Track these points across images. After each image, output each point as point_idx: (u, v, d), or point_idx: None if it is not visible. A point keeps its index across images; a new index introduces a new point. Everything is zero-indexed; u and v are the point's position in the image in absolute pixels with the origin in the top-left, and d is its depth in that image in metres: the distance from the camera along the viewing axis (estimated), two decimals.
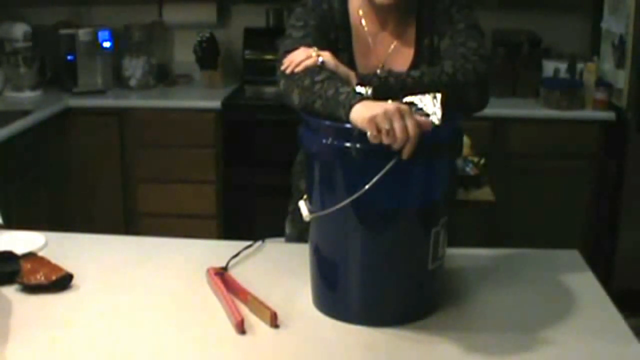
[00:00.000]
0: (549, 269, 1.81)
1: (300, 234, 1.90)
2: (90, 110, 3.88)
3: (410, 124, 1.38)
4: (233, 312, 1.52)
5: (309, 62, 1.62)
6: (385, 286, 1.54)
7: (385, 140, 1.38)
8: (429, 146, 1.46)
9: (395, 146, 1.38)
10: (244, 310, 1.57)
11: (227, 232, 3.88)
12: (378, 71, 1.68)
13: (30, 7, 4.26)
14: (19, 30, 3.89)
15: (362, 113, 1.42)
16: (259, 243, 1.93)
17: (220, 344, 1.47)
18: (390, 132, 1.37)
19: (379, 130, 1.38)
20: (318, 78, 1.57)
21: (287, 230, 2.07)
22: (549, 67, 3.87)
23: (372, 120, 1.39)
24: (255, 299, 1.58)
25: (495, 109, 3.45)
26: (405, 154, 1.39)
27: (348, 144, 1.45)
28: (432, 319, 1.56)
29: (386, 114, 1.38)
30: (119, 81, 4.14)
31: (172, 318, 1.58)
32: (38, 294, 1.65)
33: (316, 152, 1.54)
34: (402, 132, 1.37)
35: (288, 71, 1.65)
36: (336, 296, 1.58)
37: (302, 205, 1.59)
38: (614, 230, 3.66)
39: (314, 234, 1.61)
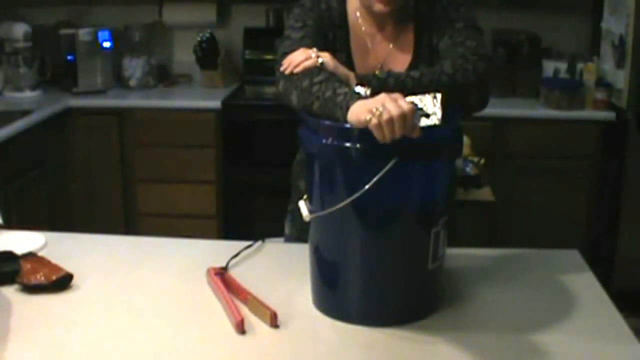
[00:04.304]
0: (549, 269, 1.81)
1: (300, 234, 1.90)
2: (90, 110, 3.88)
3: (402, 102, 1.40)
4: (233, 312, 1.52)
5: (308, 63, 1.62)
6: (385, 286, 1.54)
7: (385, 126, 1.38)
8: (429, 146, 1.46)
9: (396, 127, 1.38)
10: (244, 310, 1.57)
11: (227, 232, 3.88)
12: (377, 72, 1.68)
13: (30, 7, 4.26)
14: (19, 30, 3.89)
15: (358, 110, 1.42)
16: (259, 243, 1.93)
17: (220, 344, 1.47)
18: (385, 112, 1.37)
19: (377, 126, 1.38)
20: (316, 79, 1.57)
21: (287, 230, 2.07)
22: (549, 67, 3.87)
23: (368, 109, 1.40)
24: (255, 299, 1.58)
25: (495, 109, 3.45)
26: (400, 130, 1.39)
27: (348, 144, 1.45)
28: (432, 319, 1.56)
29: (378, 100, 1.41)
30: (119, 81, 4.14)
31: (172, 318, 1.58)
32: (38, 294, 1.65)
33: (316, 152, 1.54)
34: (395, 108, 1.38)
35: (287, 72, 1.65)
36: (336, 296, 1.58)
37: (302, 205, 1.59)
38: (614, 230, 3.66)
39: (314, 234, 1.61)
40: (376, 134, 1.39)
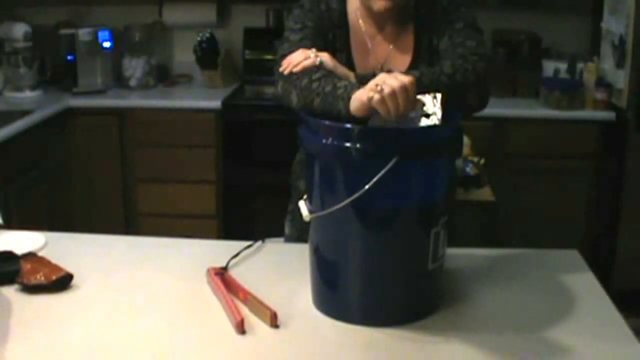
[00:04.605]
0: (549, 269, 1.81)
1: (300, 234, 1.90)
2: (90, 110, 3.88)
3: (402, 76, 1.42)
4: (233, 312, 1.52)
5: (307, 63, 1.63)
6: (385, 286, 1.54)
7: (388, 99, 1.39)
8: (429, 146, 1.46)
9: (400, 99, 1.40)
10: (244, 310, 1.57)
11: (227, 232, 3.88)
12: (377, 72, 1.69)
13: (30, 7, 4.26)
14: (19, 30, 3.89)
15: (360, 94, 1.44)
16: (259, 243, 1.93)
17: (220, 344, 1.47)
18: (386, 87, 1.39)
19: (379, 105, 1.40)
20: (315, 76, 1.58)
21: (287, 230, 2.07)
22: (549, 67, 3.87)
23: (369, 89, 1.42)
24: (255, 299, 1.58)
25: (495, 109, 3.45)
26: (403, 102, 1.41)
27: (348, 144, 1.45)
28: (432, 319, 1.56)
29: (378, 78, 1.44)
30: (119, 81, 4.14)
31: (172, 318, 1.58)
32: (38, 294, 1.65)
33: (316, 152, 1.54)
34: (396, 81, 1.40)
35: (286, 72, 1.65)
36: (336, 296, 1.58)
37: (302, 205, 1.59)
38: (614, 230, 3.66)
39: (314, 234, 1.61)
40: (381, 110, 1.40)
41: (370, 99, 1.40)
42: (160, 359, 1.44)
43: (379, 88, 1.39)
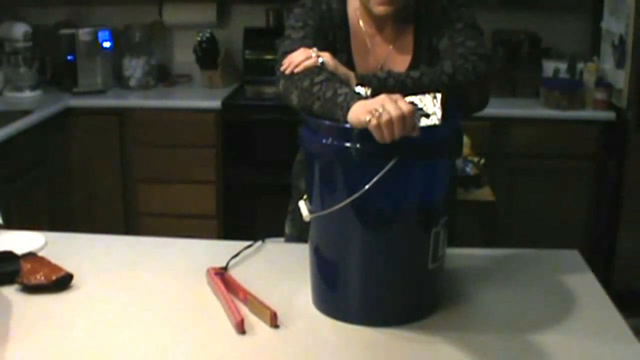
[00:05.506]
0: (549, 269, 1.81)
1: (300, 234, 1.90)
2: (90, 110, 3.88)
3: (402, 103, 1.40)
4: (233, 312, 1.52)
5: (308, 63, 1.62)
6: (385, 286, 1.54)
7: (384, 127, 1.38)
8: (429, 146, 1.46)
9: (395, 129, 1.38)
10: (244, 310, 1.57)
11: (227, 232, 3.88)
12: (377, 72, 1.68)
13: (30, 7, 4.26)
14: (19, 30, 3.89)
15: (358, 111, 1.42)
16: (259, 243, 1.93)
17: (220, 344, 1.47)
18: (384, 114, 1.37)
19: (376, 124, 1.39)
20: (317, 79, 1.57)
21: (287, 230, 2.07)
22: (549, 67, 3.87)
23: (367, 110, 1.40)
24: (255, 299, 1.58)
25: (495, 109, 3.45)
26: (399, 131, 1.39)
27: (348, 144, 1.45)
28: (432, 319, 1.56)
29: (378, 101, 1.41)
30: (119, 81, 4.14)
31: (172, 318, 1.58)
32: (38, 294, 1.65)
33: (316, 152, 1.54)
34: (395, 109, 1.38)
35: (287, 72, 1.65)
36: (336, 296, 1.58)
37: (302, 205, 1.59)
38: (614, 230, 3.66)
39: (314, 234, 1.61)
40: (375, 135, 1.39)
41: (367, 122, 1.39)
42: (160, 359, 1.44)
43: (377, 114, 1.38)
